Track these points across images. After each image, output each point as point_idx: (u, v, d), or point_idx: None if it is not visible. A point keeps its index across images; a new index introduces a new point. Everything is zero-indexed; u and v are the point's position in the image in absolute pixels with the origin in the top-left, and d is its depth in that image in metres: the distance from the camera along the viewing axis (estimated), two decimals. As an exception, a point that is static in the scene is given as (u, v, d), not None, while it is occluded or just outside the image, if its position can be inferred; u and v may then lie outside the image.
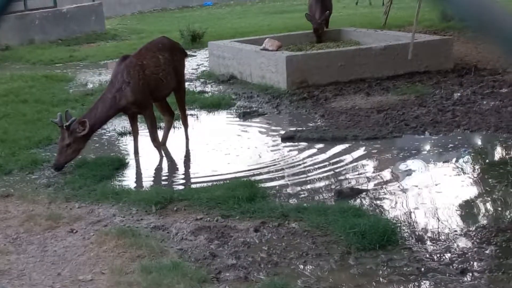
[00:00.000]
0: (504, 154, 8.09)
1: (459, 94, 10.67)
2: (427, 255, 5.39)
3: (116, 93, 8.17)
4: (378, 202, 6.69)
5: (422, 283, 4.99)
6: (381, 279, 5.10)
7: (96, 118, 7.98)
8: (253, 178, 7.35)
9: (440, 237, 5.73)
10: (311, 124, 9.66)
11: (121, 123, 9.81)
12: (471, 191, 6.84)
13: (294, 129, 9.44)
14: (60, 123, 7.80)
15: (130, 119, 8.70)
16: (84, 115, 8.05)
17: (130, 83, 8.21)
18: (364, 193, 6.87)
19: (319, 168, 7.82)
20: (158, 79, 8.58)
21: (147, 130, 8.71)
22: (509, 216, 6.19)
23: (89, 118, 7.90)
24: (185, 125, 9.37)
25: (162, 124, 9.27)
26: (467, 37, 15.99)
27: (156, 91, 8.63)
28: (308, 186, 7.22)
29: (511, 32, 0.97)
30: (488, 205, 6.47)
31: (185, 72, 9.75)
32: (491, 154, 8.24)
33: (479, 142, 8.59)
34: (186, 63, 9.97)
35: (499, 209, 6.38)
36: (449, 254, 5.39)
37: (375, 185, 7.13)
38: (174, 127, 9.55)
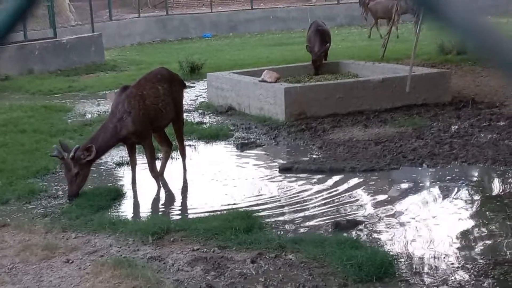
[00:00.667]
0: (501, 187, 8.09)
1: (456, 126, 10.71)
2: (424, 288, 5.37)
3: (117, 122, 8.20)
4: (375, 234, 6.67)
5: (419, 316, 4.96)
6: (378, 311, 5.07)
7: (97, 147, 7.99)
8: (250, 209, 7.34)
9: (438, 270, 5.71)
10: (309, 156, 9.67)
11: (119, 153, 9.82)
12: (469, 224, 6.84)
13: (292, 160, 9.45)
14: (60, 155, 7.80)
15: (129, 149, 8.71)
16: (86, 144, 8.06)
17: (131, 113, 8.24)
18: (361, 225, 6.86)
19: (316, 199, 7.81)
20: (157, 110, 8.62)
21: (145, 161, 8.71)
22: (506, 249, 6.17)
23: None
24: (183, 156, 9.38)
25: (160, 155, 9.28)
26: (465, 70, 16.08)
27: (156, 121, 8.67)
28: (305, 218, 7.20)
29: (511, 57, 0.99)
30: (485, 238, 6.45)
31: (184, 103, 9.79)
32: (488, 187, 8.24)
33: (477, 175, 8.60)
34: (184, 94, 10.01)
35: (497, 242, 6.36)
36: (446, 287, 5.37)
37: (372, 217, 7.12)
38: (172, 158, 9.56)
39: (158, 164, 8.95)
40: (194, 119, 12.58)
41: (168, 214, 7.69)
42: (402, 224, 6.87)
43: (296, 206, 7.65)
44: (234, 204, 7.70)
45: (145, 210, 7.94)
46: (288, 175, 8.85)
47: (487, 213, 7.14)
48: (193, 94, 15.44)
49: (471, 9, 1.00)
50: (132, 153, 8.69)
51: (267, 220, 7.10)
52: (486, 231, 6.60)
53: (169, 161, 9.31)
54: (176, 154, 9.62)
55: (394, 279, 5.52)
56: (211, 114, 13.02)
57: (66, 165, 7.83)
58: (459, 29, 1.00)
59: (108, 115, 8.57)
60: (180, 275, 5.81)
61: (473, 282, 5.44)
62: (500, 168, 8.58)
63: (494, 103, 12.24)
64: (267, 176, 8.96)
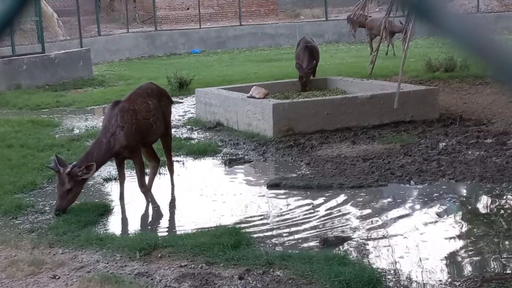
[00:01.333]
0: (488, 204, 8.11)
1: (444, 143, 10.74)
2: (412, 305, 5.36)
3: (110, 137, 8.19)
4: (363, 251, 6.67)
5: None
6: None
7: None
8: (238, 226, 7.32)
9: (425, 287, 5.71)
10: (297, 172, 9.67)
11: (107, 168, 9.78)
12: (456, 241, 6.84)
13: (280, 176, 9.44)
14: (56, 168, 7.77)
15: (118, 164, 8.69)
16: (80, 161, 8.01)
17: (123, 127, 8.23)
18: (349, 241, 6.86)
19: (304, 216, 7.80)
20: (149, 125, 8.62)
21: (133, 176, 8.69)
22: (494, 266, 6.18)
23: (86, 163, 7.89)
24: (171, 172, 9.36)
25: (148, 170, 9.25)
26: (453, 87, 16.16)
27: (146, 136, 8.67)
28: (293, 234, 7.19)
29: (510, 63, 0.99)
30: (473, 255, 6.46)
31: (172, 118, 9.78)
32: (476, 204, 8.26)
33: (464, 192, 8.62)
34: (173, 109, 10.01)
35: (484, 259, 6.37)
36: (434, 304, 5.36)
37: (360, 233, 7.12)
38: (160, 173, 9.54)
39: (146, 179, 8.92)
40: (182, 134, 12.57)
41: (156, 230, 7.66)
42: (390, 241, 6.87)
43: (284, 222, 7.64)
44: (222, 220, 7.68)
45: (133, 225, 7.91)
46: (276, 191, 8.84)
47: (475, 230, 7.15)
48: (181, 110, 15.43)
49: (463, 16, 1.00)
50: (121, 168, 8.67)
51: (255, 236, 7.09)
52: (474, 248, 6.61)
53: (158, 177, 9.29)
54: (164, 170, 9.60)
55: (382, 296, 5.51)
56: (200, 130, 13.01)
57: (61, 179, 7.79)
58: (452, 36, 1.01)
59: (101, 130, 8.55)
60: (168, 291, 5.77)
61: (461, 299, 5.44)
62: (487, 185, 8.61)
63: (481, 121, 12.30)
64: (255, 192, 8.95)
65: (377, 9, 34.08)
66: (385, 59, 22.21)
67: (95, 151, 8.13)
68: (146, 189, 8.65)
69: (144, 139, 8.61)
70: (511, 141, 10.66)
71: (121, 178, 8.70)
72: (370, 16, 25.89)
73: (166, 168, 9.48)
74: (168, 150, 9.30)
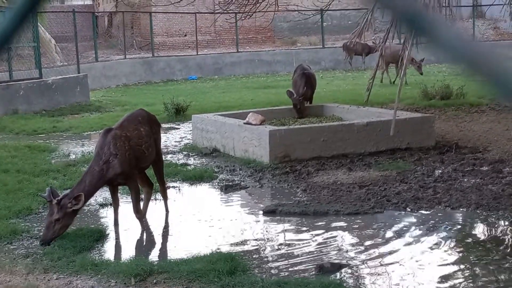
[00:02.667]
0: (484, 232, 8.10)
1: (440, 171, 10.75)
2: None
3: (103, 165, 8.17)
4: (359, 277, 6.66)
5: None
6: None
7: (85, 192, 7.92)
8: (234, 252, 7.31)
9: (421, 314, 5.69)
10: (293, 199, 9.66)
11: (102, 194, 9.76)
12: (452, 268, 6.83)
13: (276, 203, 9.44)
14: (49, 198, 7.73)
15: (111, 190, 8.68)
16: (73, 190, 8.00)
17: (117, 155, 8.22)
18: (345, 268, 6.84)
19: (300, 242, 7.79)
20: (141, 151, 8.62)
21: (128, 201, 8.67)
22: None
23: (79, 192, 7.84)
24: (165, 197, 9.35)
25: (142, 196, 9.24)
26: (449, 115, 16.21)
27: (140, 163, 8.67)
28: (289, 261, 7.18)
29: (505, 77, 1.00)
30: (469, 283, 6.44)
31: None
32: (471, 231, 8.25)
33: (460, 220, 8.61)
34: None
35: (479, 286, 6.36)
36: (430, 332, 5.35)
37: (356, 260, 7.11)
38: (156, 199, 9.54)
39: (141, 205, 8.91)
40: (178, 160, 12.57)
41: (151, 256, 7.64)
42: (386, 268, 6.85)
43: (280, 248, 7.62)
44: (218, 246, 7.66)
45: (128, 251, 7.88)
46: (272, 217, 8.83)
47: (470, 257, 7.14)
48: (178, 136, 15.45)
49: (460, 33, 1.02)
50: (114, 194, 8.66)
51: (250, 262, 7.07)
52: (469, 275, 6.60)
53: (153, 203, 9.28)
54: (159, 196, 9.57)
55: (378, 323, 5.49)
56: (196, 156, 13.02)
57: (51, 209, 7.75)
58: (451, 52, 1.02)
59: (93, 158, 8.52)
60: (162, 317, 5.75)
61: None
62: (483, 213, 8.61)
63: (477, 148, 12.32)
64: (251, 218, 8.94)
65: (373, 37, 34.26)
66: (381, 86, 22.28)
67: (88, 179, 8.10)
68: (141, 215, 8.63)
69: (137, 166, 8.62)
70: (507, 169, 10.68)
71: (115, 205, 8.68)
72: (374, 43, 25.77)
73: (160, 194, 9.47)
74: (160, 176, 9.30)
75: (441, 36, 1.01)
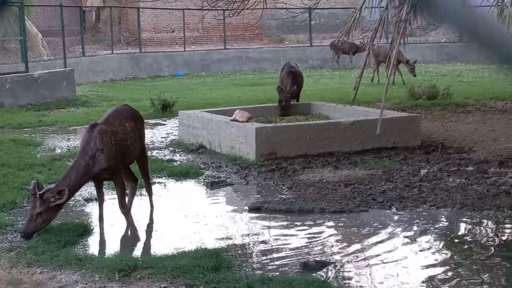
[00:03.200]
0: (469, 232, 8.13)
1: (426, 170, 10.78)
2: (392, 330, 5.35)
3: (89, 160, 8.13)
4: (344, 275, 6.66)
5: None
6: None
7: (70, 186, 7.89)
8: (218, 248, 7.30)
9: (405, 313, 5.71)
10: (279, 196, 9.66)
11: (88, 189, 9.73)
12: (436, 267, 6.85)
13: (262, 200, 9.44)
14: (33, 191, 7.68)
15: (96, 185, 8.65)
16: (58, 184, 7.96)
17: (103, 150, 8.19)
18: (330, 266, 6.85)
19: (285, 239, 7.79)
20: (127, 146, 8.60)
21: (113, 197, 8.64)
22: (473, 293, 6.19)
23: (63, 187, 7.80)
24: (150, 193, 9.32)
25: (127, 191, 9.21)
26: (435, 115, 16.27)
27: (125, 158, 8.65)
28: (274, 258, 7.18)
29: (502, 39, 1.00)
30: (453, 282, 6.46)
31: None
32: (456, 231, 8.28)
33: (445, 219, 8.64)
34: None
35: (463, 285, 6.38)
36: (413, 330, 5.36)
37: (340, 258, 7.12)
38: (141, 195, 9.52)
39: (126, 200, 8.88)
40: (164, 156, 12.55)
41: (136, 251, 7.63)
42: (370, 266, 6.86)
43: (265, 246, 7.62)
44: (203, 242, 7.65)
45: (113, 246, 7.85)
46: (258, 214, 8.83)
47: (455, 256, 7.17)
48: (164, 132, 15.42)
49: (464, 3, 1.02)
50: (99, 189, 8.63)
51: (235, 259, 7.06)
52: (453, 274, 6.62)
53: (138, 198, 9.25)
54: (144, 191, 9.54)
55: (362, 321, 5.50)
56: (182, 152, 13.00)
57: (34, 202, 7.71)
58: (454, 20, 1.02)
59: (78, 153, 8.49)
60: (146, 313, 5.74)
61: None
62: (468, 212, 8.64)
63: (463, 148, 12.38)
64: (236, 215, 8.94)
65: (361, 36, 34.32)
66: (368, 85, 22.33)
67: (73, 174, 8.06)
68: (126, 210, 8.61)
69: (122, 161, 8.59)
70: (492, 169, 10.72)
71: (100, 200, 8.65)
72: (375, 44, 25.66)
73: (145, 190, 9.45)
74: (145, 172, 9.27)
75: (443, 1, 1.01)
